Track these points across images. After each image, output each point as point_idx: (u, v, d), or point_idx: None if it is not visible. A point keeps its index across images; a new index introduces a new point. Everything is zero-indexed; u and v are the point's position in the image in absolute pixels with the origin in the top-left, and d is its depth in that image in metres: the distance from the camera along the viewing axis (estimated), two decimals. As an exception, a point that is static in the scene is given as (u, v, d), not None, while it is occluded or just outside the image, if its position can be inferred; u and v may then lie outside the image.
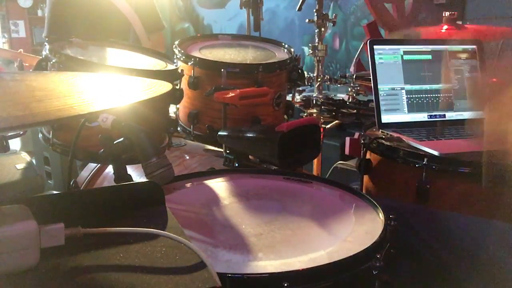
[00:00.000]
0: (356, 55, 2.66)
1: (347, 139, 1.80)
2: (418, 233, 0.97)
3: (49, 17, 2.00)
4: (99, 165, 1.46)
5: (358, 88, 1.81)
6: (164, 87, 0.60)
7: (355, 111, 1.68)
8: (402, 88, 1.37)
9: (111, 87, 0.64)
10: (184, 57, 1.36)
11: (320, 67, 1.79)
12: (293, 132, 1.09)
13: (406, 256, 0.94)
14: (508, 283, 0.85)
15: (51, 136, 1.16)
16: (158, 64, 1.26)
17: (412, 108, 1.37)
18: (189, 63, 1.34)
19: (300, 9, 1.81)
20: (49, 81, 0.61)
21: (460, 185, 1.11)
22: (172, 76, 1.21)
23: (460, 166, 1.10)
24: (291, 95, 1.61)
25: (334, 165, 2.26)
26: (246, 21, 1.95)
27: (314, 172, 1.98)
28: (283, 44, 1.57)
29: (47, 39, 1.19)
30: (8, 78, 0.62)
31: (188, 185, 1.03)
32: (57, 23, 1.96)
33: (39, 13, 6.16)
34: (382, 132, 1.32)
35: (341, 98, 1.77)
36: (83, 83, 0.65)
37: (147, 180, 0.80)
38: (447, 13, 1.83)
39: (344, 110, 1.71)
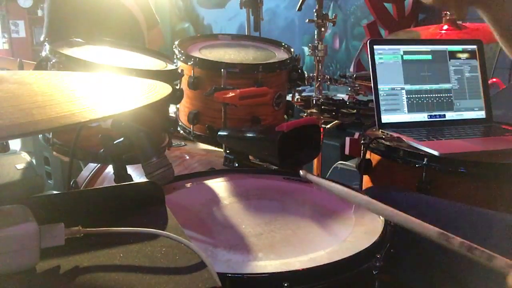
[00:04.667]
0: (356, 55, 2.66)
1: (347, 139, 1.80)
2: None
3: (47, 19, 1.99)
4: (99, 165, 1.46)
5: (358, 88, 1.81)
6: (165, 89, 0.60)
7: (355, 111, 1.68)
8: (402, 88, 1.37)
9: (112, 91, 0.64)
10: (184, 57, 1.36)
11: (320, 67, 1.79)
12: (293, 132, 1.09)
13: (408, 248, 0.93)
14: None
15: (51, 136, 1.16)
16: (158, 64, 1.26)
17: (412, 108, 1.37)
18: (189, 63, 1.34)
19: (300, 9, 1.81)
20: (50, 84, 0.61)
21: (460, 185, 1.11)
22: (172, 76, 1.21)
23: (460, 166, 1.10)
24: (291, 95, 1.61)
25: (334, 165, 2.26)
26: (246, 21, 1.95)
27: (314, 172, 1.98)
28: (283, 44, 1.57)
29: (47, 39, 1.18)
30: (10, 79, 0.62)
31: (188, 185, 1.03)
32: (56, 25, 1.96)
33: (39, 13, 6.15)
34: (382, 132, 1.32)
35: (341, 98, 1.77)
36: (83, 86, 0.65)
37: (147, 180, 0.80)
38: (447, 13, 1.83)
39: (344, 110, 1.71)
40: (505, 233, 0.90)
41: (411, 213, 0.98)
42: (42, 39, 2.00)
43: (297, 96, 1.75)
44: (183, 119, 1.44)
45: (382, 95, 1.35)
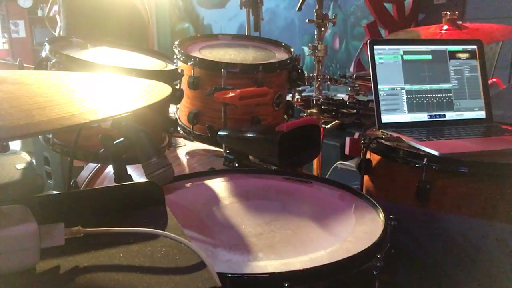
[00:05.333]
0: (356, 55, 2.66)
1: (347, 139, 1.80)
2: (416, 236, 0.97)
3: (65, 21, 1.98)
4: (99, 165, 1.46)
5: (358, 88, 1.81)
6: (164, 90, 0.60)
7: (355, 111, 1.68)
8: (402, 88, 1.37)
9: (112, 92, 0.64)
10: (184, 57, 1.36)
11: (320, 67, 1.79)
12: (293, 132, 1.09)
13: (405, 259, 0.94)
14: (506, 284, 0.85)
15: (51, 136, 1.16)
16: (158, 64, 1.26)
17: (412, 108, 1.37)
18: (189, 63, 1.34)
19: (300, 9, 1.81)
20: (50, 85, 0.61)
21: (460, 185, 1.11)
22: (172, 76, 1.21)
23: (460, 166, 1.10)
24: (291, 95, 1.61)
25: (334, 165, 2.26)
26: (246, 21, 1.95)
27: (314, 172, 1.98)
28: (283, 44, 1.57)
29: (47, 39, 1.18)
30: (10, 80, 0.62)
31: (188, 185, 1.03)
32: (72, 25, 1.95)
33: (39, 13, 6.15)
34: (382, 132, 1.32)
35: (341, 98, 1.77)
36: (84, 86, 0.65)
37: (147, 180, 0.80)
38: (447, 13, 1.83)
39: (344, 110, 1.71)
40: (498, 243, 0.90)
41: (407, 225, 0.99)
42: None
43: (297, 96, 1.75)
44: (183, 119, 1.44)
45: (382, 95, 1.35)
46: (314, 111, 1.74)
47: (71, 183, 1.24)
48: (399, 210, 1.07)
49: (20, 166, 1.53)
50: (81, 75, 0.73)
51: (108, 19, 1.87)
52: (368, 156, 1.29)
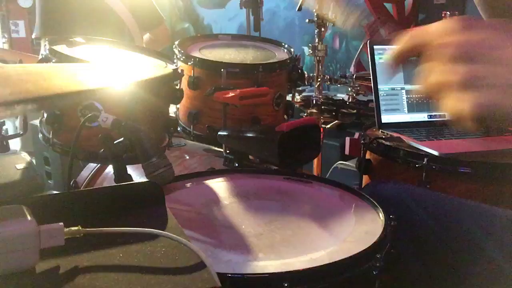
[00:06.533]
0: (356, 55, 2.66)
1: (347, 139, 1.80)
2: (423, 218, 0.96)
3: (39, 17, 1.98)
4: (99, 165, 1.45)
5: (358, 88, 1.81)
6: (160, 69, 0.61)
7: (355, 111, 1.68)
8: (402, 88, 1.37)
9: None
10: (184, 57, 1.36)
11: (320, 67, 1.79)
12: (293, 132, 1.09)
13: (409, 248, 0.93)
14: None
15: (51, 136, 1.16)
16: (158, 64, 1.26)
17: (412, 108, 1.37)
18: (189, 63, 1.34)
19: (300, 9, 1.81)
20: (51, 68, 0.63)
21: (460, 185, 1.11)
22: (172, 76, 1.21)
23: (460, 166, 1.10)
24: (291, 95, 1.61)
25: (334, 165, 2.26)
26: (246, 21, 1.95)
27: (314, 172, 1.98)
28: (283, 44, 1.57)
29: (46, 39, 1.18)
30: (14, 67, 0.62)
31: (188, 185, 1.03)
32: (48, 23, 1.95)
33: (39, 13, 6.15)
34: (382, 132, 1.32)
35: (341, 98, 1.77)
36: (85, 73, 0.66)
37: (147, 180, 0.80)
38: (447, 13, 1.83)
39: (344, 110, 1.71)
40: (508, 228, 0.89)
41: (413, 206, 0.98)
42: (34, 36, 1.99)
43: (297, 96, 1.75)
44: (183, 119, 1.44)
45: (382, 95, 1.35)
46: (314, 111, 1.74)
47: (71, 183, 1.23)
48: (406, 193, 1.05)
49: (20, 166, 1.52)
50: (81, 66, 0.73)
51: (79, 17, 1.87)
52: (368, 156, 1.29)
